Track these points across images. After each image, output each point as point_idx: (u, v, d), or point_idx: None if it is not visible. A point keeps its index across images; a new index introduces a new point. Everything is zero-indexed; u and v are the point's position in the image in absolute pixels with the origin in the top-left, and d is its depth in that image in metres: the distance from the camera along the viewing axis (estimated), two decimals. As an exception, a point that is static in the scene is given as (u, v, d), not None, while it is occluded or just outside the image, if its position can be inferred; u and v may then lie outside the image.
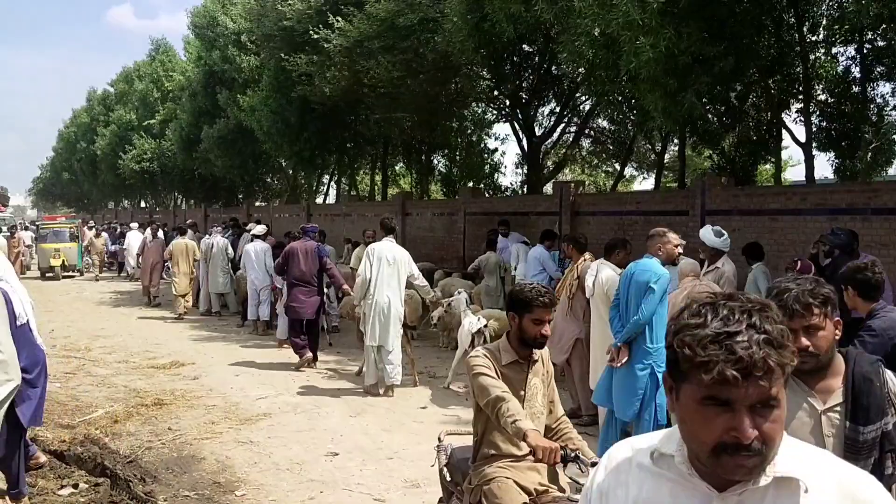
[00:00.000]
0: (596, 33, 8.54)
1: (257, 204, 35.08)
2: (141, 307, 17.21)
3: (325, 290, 11.59)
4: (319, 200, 31.79)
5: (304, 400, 8.57)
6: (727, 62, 9.17)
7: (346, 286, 10.47)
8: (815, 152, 13.46)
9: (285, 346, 11.46)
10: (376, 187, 26.90)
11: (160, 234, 18.47)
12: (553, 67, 15.98)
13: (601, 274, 6.85)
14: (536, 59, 15.53)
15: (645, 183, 28.33)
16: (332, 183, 31.59)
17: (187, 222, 21.71)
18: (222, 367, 10.43)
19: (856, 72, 13.26)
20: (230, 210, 33.15)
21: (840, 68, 14.13)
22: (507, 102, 18.11)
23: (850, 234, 8.42)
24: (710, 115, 11.12)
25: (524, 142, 18.85)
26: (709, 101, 10.61)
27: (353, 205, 25.29)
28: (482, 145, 23.34)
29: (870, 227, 10.65)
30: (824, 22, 12.36)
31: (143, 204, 51.43)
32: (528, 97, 16.44)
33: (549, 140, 19.54)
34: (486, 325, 8.93)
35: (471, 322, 8.77)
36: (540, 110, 18.26)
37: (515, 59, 14.52)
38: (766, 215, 12.37)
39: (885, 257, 9.55)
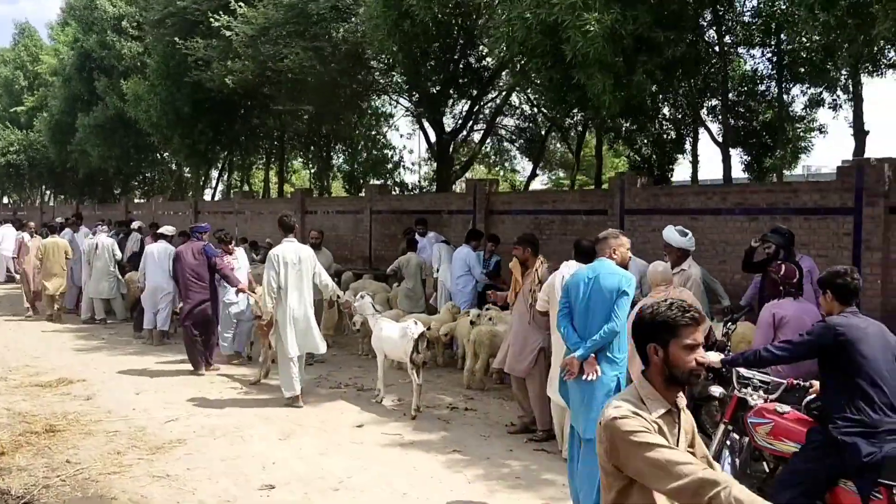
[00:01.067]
0: (536, 19, 8.06)
1: (137, 200, 32.90)
2: (20, 316, 15.36)
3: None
4: (207, 197, 30.07)
5: (222, 421, 7.61)
6: (676, 49, 8.90)
7: (242, 285, 9.72)
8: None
9: (234, 362, 10.59)
10: (271, 184, 25.62)
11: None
12: (472, 58, 15.42)
13: None
14: (458, 48, 14.91)
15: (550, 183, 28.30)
16: (221, 179, 29.96)
17: (66, 219, 19.78)
18: (118, 384, 9.26)
19: (765, 71, 13.53)
20: (106, 207, 30.91)
21: (748, 68, 14.37)
22: (416, 96, 17.48)
23: (790, 233, 8.33)
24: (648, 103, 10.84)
25: (433, 138, 18.32)
26: (659, 89, 10.31)
27: (246, 202, 23.91)
28: (384, 140, 22.56)
29: (790, 226, 10.68)
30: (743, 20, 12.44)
31: (5, 200, 47.46)
32: (441, 89, 15.81)
33: (460, 136, 19.02)
34: (428, 328, 8.26)
35: (407, 329, 8.05)
36: (451, 104, 17.63)
37: (433, 48, 13.86)
38: (687, 214, 12.28)
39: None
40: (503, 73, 16.18)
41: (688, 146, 14.53)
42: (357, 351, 11.30)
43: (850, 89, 11.99)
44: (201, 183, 29.02)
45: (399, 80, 16.56)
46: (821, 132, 13.92)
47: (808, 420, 4.67)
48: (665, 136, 14.37)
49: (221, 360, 10.48)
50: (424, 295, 12.52)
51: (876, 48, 10.92)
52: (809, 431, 4.55)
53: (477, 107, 17.85)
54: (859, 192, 10.23)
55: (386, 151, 22.27)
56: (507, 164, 22.41)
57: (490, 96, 18.27)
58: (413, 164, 24.64)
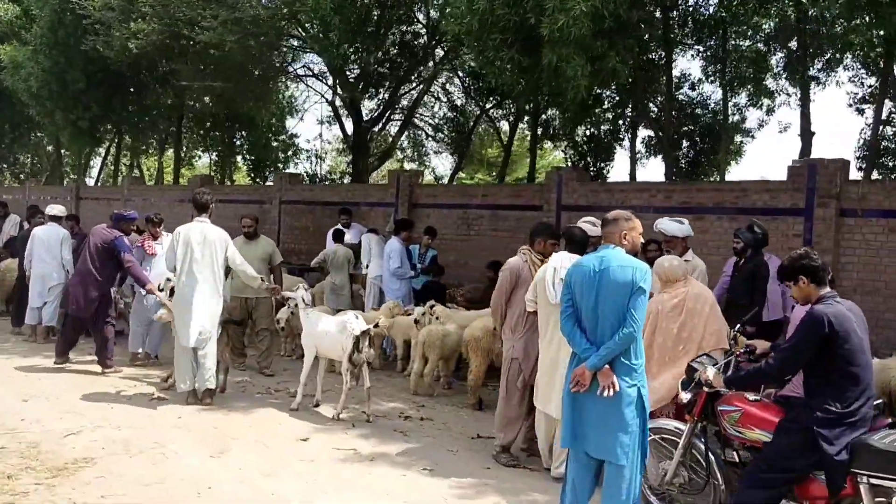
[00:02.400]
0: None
1: (6, 185, 29.93)
2: None
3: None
4: (90, 182, 27.62)
5: (136, 435, 6.36)
6: (653, 28, 8.29)
7: (151, 285, 8.43)
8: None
9: (138, 363, 9.20)
10: (164, 169, 23.69)
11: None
12: (409, 35, 14.36)
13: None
14: (402, 17, 13.82)
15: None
16: (107, 162, 27.56)
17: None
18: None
19: (709, 70, 13.34)
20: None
21: (690, 66, 14.15)
22: (334, 80, 16.37)
23: (764, 232, 7.89)
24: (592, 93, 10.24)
25: (350, 127, 17.26)
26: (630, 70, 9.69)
27: (136, 189, 21.96)
28: (287, 126, 21.21)
29: (737, 226, 10.38)
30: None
31: None
32: (364, 70, 14.74)
33: (378, 126, 18.00)
34: (376, 325, 7.28)
35: (347, 323, 7.05)
36: (375, 89, 16.55)
37: (373, 15, 12.75)
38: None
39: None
40: (437, 54, 15.22)
41: (626, 144, 14.18)
42: (280, 352, 10.13)
43: (798, 91, 11.88)
44: (85, 166, 26.58)
45: (318, 62, 15.37)
46: (750, 136, 13.87)
47: (776, 408, 4.50)
48: (603, 132, 13.92)
49: (136, 360, 9.15)
50: (351, 291, 11.50)
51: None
52: (783, 425, 4.29)
53: (400, 93, 16.84)
54: (811, 193, 10.02)
55: (296, 139, 20.92)
56: (426, 159, 21.53)
57: (413, 85, 17.32)
58: (325, 153, 23.37)
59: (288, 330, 9.75)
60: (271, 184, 19.50)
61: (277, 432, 6.60)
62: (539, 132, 14.53)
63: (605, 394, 4.22)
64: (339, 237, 11.54)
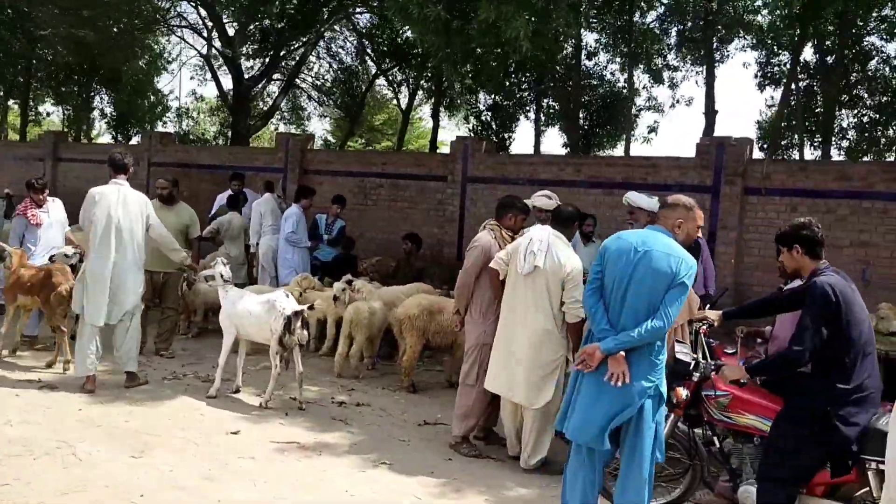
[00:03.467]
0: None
1: None
2: None
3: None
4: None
5: (35, 433, 5.43)
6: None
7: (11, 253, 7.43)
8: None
9: (37, 346, 7.98)
10: (7, 124, 21.21)
11: None
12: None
13: (561, 253, 5.13)
14: None
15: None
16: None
17: None
18: None
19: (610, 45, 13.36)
20: None
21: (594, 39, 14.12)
22: (209, 31, 15.11)
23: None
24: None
25: (228, 85, 16.03)
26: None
27: (-27, 144, 19.59)
28: (157, 82, 19.49)
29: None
30: None
31: None
32: (245, 24, 13.65)
33: (260, 84, 16.85)
34: (311, 307, 6.64)
35: (276, 302, 6.38)
36: (262, 45, 15.39)
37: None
38: (536, 185, 11.67)
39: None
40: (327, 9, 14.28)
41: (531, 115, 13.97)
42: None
43: (704, 70, 12.09)
44: None
45: (191, 12, 14.06)
46: (658, 112, 14.07)
47: (765, 391, 4.38)
48: (507, 102, 13.63)
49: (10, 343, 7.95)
50: (248, 264, 10.66)
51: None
52: (790, 413, 4.11)
53: (286, 49, 15.70)
54: (718, 171, 10.23)
55: (166, 98, 19.24)
56: (306, 123, 20.33)
57: (300, 41, 16.24)
58: (198, 112, 21.55)
59: (183, 306, 8.86)
60: (136, 143, 17.89)
61: (201, 425, 5.86)
62: (447, 97, 14.06)
63: (613, 383, 3.91)
64: (234, 204, 10.62)
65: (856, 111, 13.70)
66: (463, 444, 5.58)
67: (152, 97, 18.98)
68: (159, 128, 19.52)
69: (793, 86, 11.62)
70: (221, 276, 6.88)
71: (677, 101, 13.86)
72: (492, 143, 13.29)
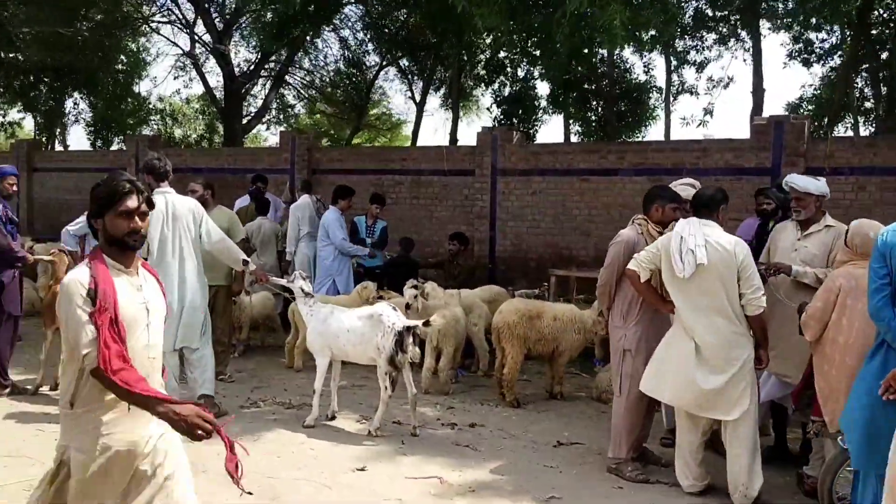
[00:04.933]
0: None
1: None
2: None
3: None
4: None
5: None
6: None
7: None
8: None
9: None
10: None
11: None
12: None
13: (723, 240, 4.47)
14: None
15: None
16: None
17: None
18: None
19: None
20: None
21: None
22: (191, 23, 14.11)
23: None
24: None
25: (216, 83, 15.05)
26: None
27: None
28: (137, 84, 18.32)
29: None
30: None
31: None
32: (233, 18, 12.72)
33: (252, 82, 15.88)
34: (426, 323, 5.84)
35: (384, 317, 5.64)
36: (254, 41, 14.44)
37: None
38: (576, 175, 11.12)
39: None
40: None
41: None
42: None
43: (750, 46, 11.62)
44: None
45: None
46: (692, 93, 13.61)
47: None
48: (521, 91, 12.98)
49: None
50: (281, 270, 9.82)
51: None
52: None
53: (284, 42, 14.69)
54: (777, 152, 9.78)
55: (148, 101, 18.07)
56: (309, 119, 19.22)
57: (296, 32, 15.28)
58: (183, 115, 20.30)
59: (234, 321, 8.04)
60: (116, 148, 16.78)
61: (317, 462, 5.11)
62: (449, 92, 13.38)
63: None
64: (262, 208, 9.79)
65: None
66: (627, 465, 4.94)
67: (133, 100, 17.77)
68: (144, 132, 18.30)
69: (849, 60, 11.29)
70: (302, 290, 6.10)
71: (718, 83, 13.50)
72: (523, 133, 12.65)
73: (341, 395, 6.24)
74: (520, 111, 13.27)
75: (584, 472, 5.04)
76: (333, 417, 6.01)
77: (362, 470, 4.95)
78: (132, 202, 2.65)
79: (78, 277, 2.57)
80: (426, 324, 5.67)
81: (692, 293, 4.48)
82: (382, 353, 5.56)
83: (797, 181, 5.21)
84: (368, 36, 14.74)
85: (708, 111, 13.43)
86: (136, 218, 2.66)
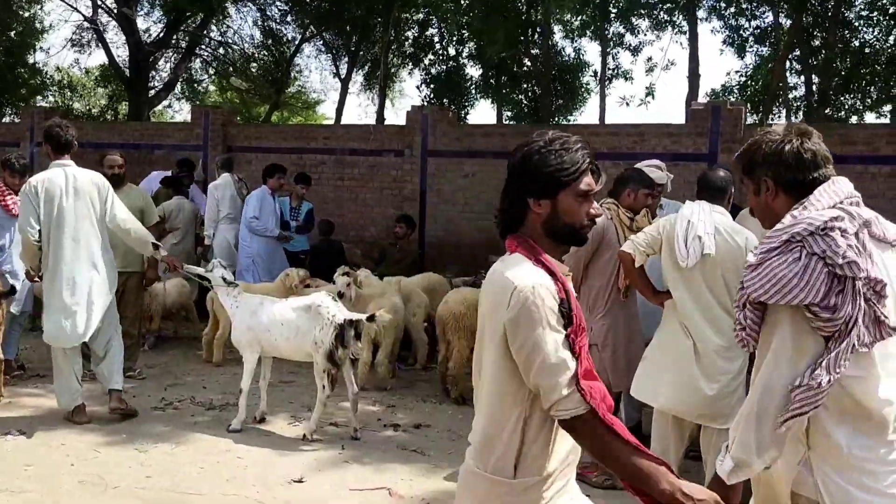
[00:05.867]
0: None
1: None
2: None
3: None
4: None
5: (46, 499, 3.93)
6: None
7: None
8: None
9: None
10: None
11: None
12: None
13: (738, 235, 4.07)
14: None
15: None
16: None
17: None
18: None
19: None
20: None
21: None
22: None
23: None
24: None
25: (121, 54, 13.89)
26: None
27: None
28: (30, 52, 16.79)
29: (617, 171, 9.74)
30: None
31: None
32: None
33: (160, 52, 14.75)
34: (370, 318, 5.22)
35: (322, 308, 5.05)
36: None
37: None
38: (510, 158, 10.71)
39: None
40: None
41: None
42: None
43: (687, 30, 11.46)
44: None
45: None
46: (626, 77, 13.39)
47: None
48: (459, 70, 12.49)
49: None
50: (196, 259, 9.01)
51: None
52: None
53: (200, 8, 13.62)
54: (714, 137, 9.64)
55: (44, 70, 16.58)
56: (221, 95, 18.03)
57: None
58: (82, 86, 18.67)
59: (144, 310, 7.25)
60: (9, 121, 15.37)
61: (247, 472, 4.50)
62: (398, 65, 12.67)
63: None
64: (180, 187, 8.96)
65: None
66: (593, 470, 4.54)
67: (27, 70, 16.22)
68: (40, 104, 16.83)
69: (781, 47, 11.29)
70: (224, 279, 5.44)
71: (656, 66, 13.37)
72: (455, 112, 12.14)
73: (269, 393, 5.61)
74: (449, 93, 12.78)
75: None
76: (263, 420, 5.39)
77: (300, 482, 4.38)
78: (593, 180, 1.94)
79: (544, 282, 1.83)
80: (370, 319, 5.09)
81: (695, 284, 4.05)
82: (320, 349, 4.97)
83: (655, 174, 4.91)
84: (289, 6, 13.90)
85: (649, 91, 13.35)
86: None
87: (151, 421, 5.34)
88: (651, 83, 13.47)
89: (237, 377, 5.57)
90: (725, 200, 4.25)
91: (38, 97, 16.85)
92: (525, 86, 13.20)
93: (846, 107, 13.87)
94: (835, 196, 2.06)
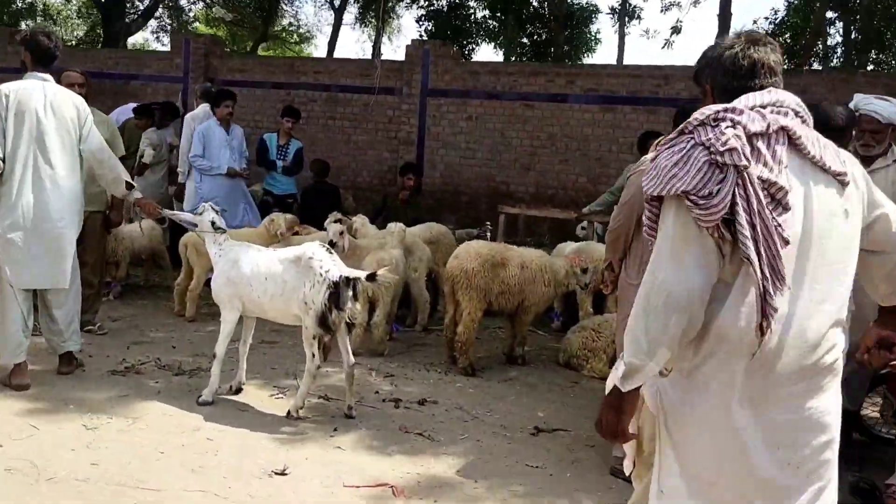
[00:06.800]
0: None
1: None
2: None
3: None
4: None
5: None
6: None
7: None
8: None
9: None
10: None
11: None
12: None
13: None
14: None
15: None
16: None
17: None
18: None
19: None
20: None
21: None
22: None
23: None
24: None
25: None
26: None
27: None
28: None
29: (659, 119, 8.87)
30: None
31: None
32: None
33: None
34: (370, 277, 4.35)
35: (313, 261, 4.18)
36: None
37: None
38: (519, 101, 9.84)
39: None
40: None
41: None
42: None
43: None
44: None
45: None
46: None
47: None
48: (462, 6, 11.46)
49: None
50: (168, 198, 8.09)
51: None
52: None
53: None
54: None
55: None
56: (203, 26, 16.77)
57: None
58: (57, 12, 17.30)
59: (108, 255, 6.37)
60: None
61: (219, 460, 3.68)
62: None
63: None
64: (151, 117, 8.02)
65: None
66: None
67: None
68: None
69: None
70: (213, 224, 4.56)
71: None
72: (458, 49, 11.16)
73: (248, 358, 4.77)
74: (450, 31, 11.69)
75: (579, 474, 3.84)
76: (239, 391, 4.58)
77: (282, 474, 3.57)
78: None
79: None
80: (371, 278, 4.23)
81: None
82: (311, 310, 4.12)
83: (880, 109, 3.97)
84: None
85: (676, 29, 12.30)
86: None
87: (107, 387, 4.50)
88: (679, 20, 12.49)
89: (212, 336, 4.76)
90: (844, 142, 3.39)
91: (15, 25, 15.58)
92: (530, 27, 12.18)
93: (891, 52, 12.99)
94: (756, 100, 1.86)
